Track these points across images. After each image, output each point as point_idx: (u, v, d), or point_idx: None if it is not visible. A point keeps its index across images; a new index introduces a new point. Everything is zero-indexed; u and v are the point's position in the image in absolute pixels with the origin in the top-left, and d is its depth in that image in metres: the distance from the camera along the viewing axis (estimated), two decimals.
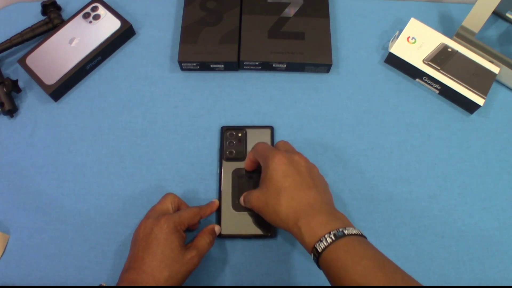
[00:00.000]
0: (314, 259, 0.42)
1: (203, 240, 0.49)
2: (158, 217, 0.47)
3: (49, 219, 0.56)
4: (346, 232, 0.41)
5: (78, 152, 0.59)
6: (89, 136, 0.60)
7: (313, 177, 0.48)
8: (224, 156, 0.57)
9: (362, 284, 0.37)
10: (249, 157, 0.54)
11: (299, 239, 0.43)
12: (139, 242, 0.46)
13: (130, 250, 0.47)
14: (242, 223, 0.54)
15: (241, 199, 0.53)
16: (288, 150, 0.51)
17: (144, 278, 0.43)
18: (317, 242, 0.41)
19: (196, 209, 0.51)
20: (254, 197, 0.49)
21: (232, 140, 0.58)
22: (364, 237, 0.42)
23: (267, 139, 0.58)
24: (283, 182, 0.45)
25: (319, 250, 0.40)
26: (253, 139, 0.58)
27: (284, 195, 0.45)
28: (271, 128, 0.59)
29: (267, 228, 0.54)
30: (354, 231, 0.41)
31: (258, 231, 0.54)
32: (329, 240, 0.40)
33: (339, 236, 0.40)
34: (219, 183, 0.56)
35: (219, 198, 0.55)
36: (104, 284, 0.49)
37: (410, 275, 0.39)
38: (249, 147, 0.57)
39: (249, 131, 0.58)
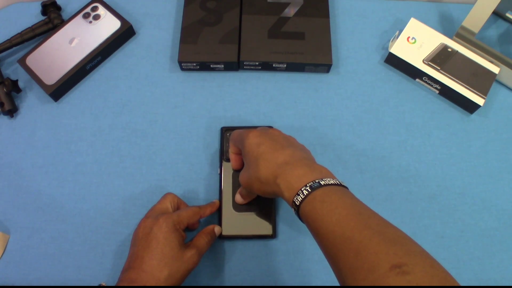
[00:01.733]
0: (295, 213, 0.42)
1: (202, 240, 0.49)
2: (157, 217, 0.47)
3: (49, 219, 0.56)
4: (322, 182, 0.40)
5: (78, 152, 0.59)
6: (89, 136, 0.60)
7: (289, 140, 0.48)
8: (224, 156, 0.57)
9: (336, 232, 0.37)
10: (231, 151, 0.54)
11: (281, 197, 0.43)
12: (139, 241, 0.46)
13: (130, 249, 0.47)
14: (243, 223, 0.54)
15: (238, 196, 0.53)
16: (264, 128, 0.51)
17: (144, 277, 0.43)
18: (294, 196, 0.40)
19: (196, 209, 0.51)
20: (240, 176, 0.49)
21: None
22: (345, 187, 0.42)
23: None
24: (258, 150, 0.45)
25: (297, 203, 0.40)
26: None
27: (260, 160, 0.45)
28: (271, 128, 0.59)
29: (268, 228, 0.54)
30: (331, 181, 0.40)
31: (259, 232, 0.54)
32: (305, 192, 0.40)
33: (315, 187, 0.40)
34: (219, 184, 0.56)
35: (220, 199, 0.55)
36: (104, 284, 0.49)
37: (389, 221, 0.38)
38: None
39: None
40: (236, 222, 0.54)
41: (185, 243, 0.48)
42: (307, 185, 0.40)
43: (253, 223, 0.54)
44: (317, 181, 0.40)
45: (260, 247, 0.55)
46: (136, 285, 0.43)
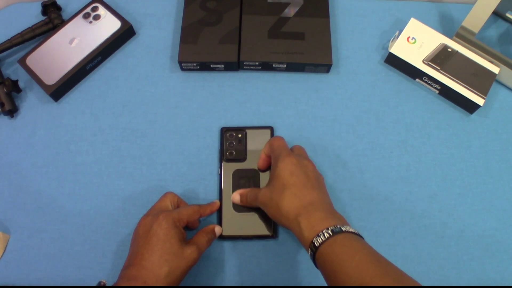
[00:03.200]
0: (311, 254, 0.42)
1: (202, 238, 0.49)
2: (157, 214, 0.47)
3: (49, 219, 0.56)
4: (343, 228, 0.41)
5: (78, 152, 0.59)
6: (89, 136, 0.60)
7: (318, 180, 0.49)
8: (224, 157, 0.57)
9: (355, 277, 0.37)
10: (264, 151, 0.55)
11: (297, 235, 0.44)
12: (139, 239, 0.46)
13: (130, 247, 0.47)
14: (243, 224, 0.54)
15: (236, 197, 0.54)
16: (300, 154, 0.52)
17: (144, 273, 0.43)
18: (314, 237, 0.41)
19: (196, 207, 0.51)
20: (261, 193, 0.50)
21: (232, 141, 0.58)
22: (361, 237, 0.43)
23: (267, 140, 0.58)
24: (289, 180, 0.47)
25: (316, 244, 0.41)
26: (253, 140, 0.58)
27: (288, 191, 0.46)
28: (271, 128, 0.59)
29: (269, 228, 0.54)
30: (351, 230, 0.42)
31: (260, 232, 0.54)
32: (326, 235, 0.41)
33: (336, 232, 0.41)
34: (219, 184, 0.56)
35: (220, 199, 0.55)
36: (104, 281, 0.49)
37: (403, 271, 0.39)
38: (249, 148, 0.57)
39: (249, 131, 0.58)
40: (237, 222, 0.54)
41: (185, 241, 0.48)
42: (329, 228, 0.41)
43: (254, 223, 0.54)
44: (338, 226, 0.42)
45: (260, 247, 0.55)
46: (136, 281, 0.43)
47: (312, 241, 0.41)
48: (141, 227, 0.47)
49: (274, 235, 0.54)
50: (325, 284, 0.53)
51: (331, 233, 0.41)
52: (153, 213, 0.48)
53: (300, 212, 0.44)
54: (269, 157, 0.54)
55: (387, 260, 0.40)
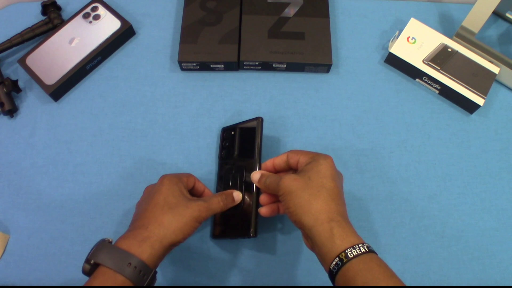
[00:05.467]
0: (337, 263, 0.40)
1: (215, 197, 0.48)
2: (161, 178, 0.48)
3: (49, 219, 0.56)
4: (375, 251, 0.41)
5: (78, 152, 0.59)
6: (89, 136, 0.60)
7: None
8: (219, 156, 0.58)
9: None
10: (280, 161, 0.50)
11: (323, 239, 0.41)
12: (143, 202, 0.47)
13: (133, 216, 0.48)
14: (227, 225, 0.53)
15: (256, 175, 0.50)
16: None
17: (146, 222, 0.43)
18: (349, 248, 0.40)
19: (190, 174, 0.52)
20: (291, 178, 0.45)
21: (227, 140, 0.58)
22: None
23: (255, 133, 0.55)
24: (329, 182, 0.44)
25: (350, 256, 0.39)
26: (242, 135, 0.56)
27: (326, 192, 0.43)
28: (259, 119, 0.55)
29: (247, 229, 0.50)
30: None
31: (239, 234, 0.51)
32: (362, 249, 0.40)
33: (371, 250, 0.41)
34: (216, 184, 0.56)
35: None
36: (110, 239, 0.46)
37: None
38: (240, 144, 0.55)
39: (239, 127, 0.57)
40: (223, 223, 0.53)
41: (194, 198, 0.48)
42: (364, 244, 0.41)
43: (234, 225, 0.52)
44: (371, 247, 0.41)
45: (259, 247, 0.55)
46: (140, 229, 0.43)
47: (345, 251, 0.40)
48: (145, 193, 0.49)
49: (253, 235, 0.49)
50: (324, 284, 0.53)
51: (366, 249, 0.40)
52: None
53: (334, 218, 0.42)
54: (271, 196, 0.50)
55: None
